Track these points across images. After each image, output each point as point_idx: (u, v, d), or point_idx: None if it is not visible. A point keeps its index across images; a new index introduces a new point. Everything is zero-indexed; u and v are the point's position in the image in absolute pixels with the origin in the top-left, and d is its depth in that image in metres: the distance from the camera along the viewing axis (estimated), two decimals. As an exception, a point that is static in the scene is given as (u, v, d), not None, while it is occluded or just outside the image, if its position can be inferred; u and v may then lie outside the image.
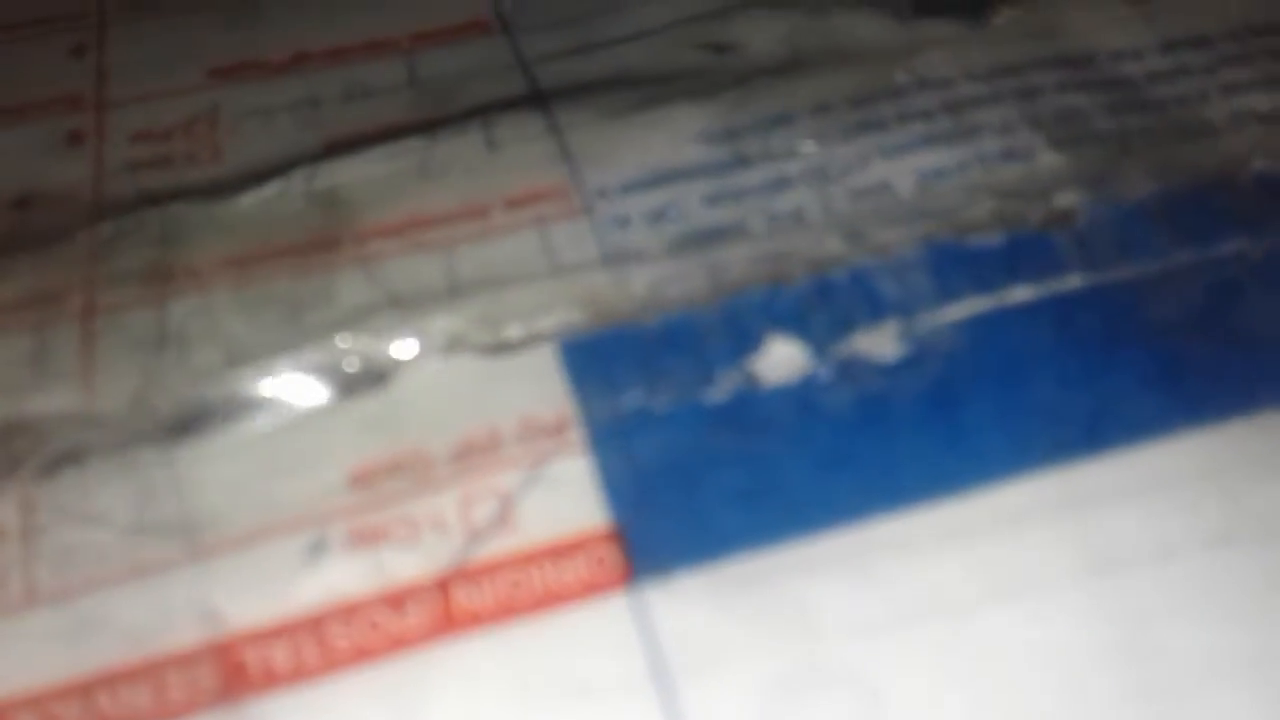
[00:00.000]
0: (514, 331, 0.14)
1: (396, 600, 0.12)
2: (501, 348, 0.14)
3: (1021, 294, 0.14)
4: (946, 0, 0.17)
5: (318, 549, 0.12)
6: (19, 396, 0.13)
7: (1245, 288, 0.14)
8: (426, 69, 0.18)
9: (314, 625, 0.12)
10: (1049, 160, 0.15)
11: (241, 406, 0.13)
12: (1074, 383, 0.13)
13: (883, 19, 0.17)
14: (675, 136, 0.16)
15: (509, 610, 0.12)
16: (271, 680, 0.12)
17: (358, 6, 0.19)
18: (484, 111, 0.17)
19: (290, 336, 0.14)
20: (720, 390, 0.13)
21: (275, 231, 0.15)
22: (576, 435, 0.13)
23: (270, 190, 0.16)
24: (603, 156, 0.16)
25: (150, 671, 0.12)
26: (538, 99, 0.17)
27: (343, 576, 0.12)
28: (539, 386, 0.13)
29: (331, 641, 0.12)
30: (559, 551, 0.12)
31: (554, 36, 0.18)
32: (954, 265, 0.14)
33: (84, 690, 0.11)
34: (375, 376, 0.14)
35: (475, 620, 0.12)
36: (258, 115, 0.17)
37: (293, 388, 0.13)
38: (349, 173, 0.16)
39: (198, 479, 0.13)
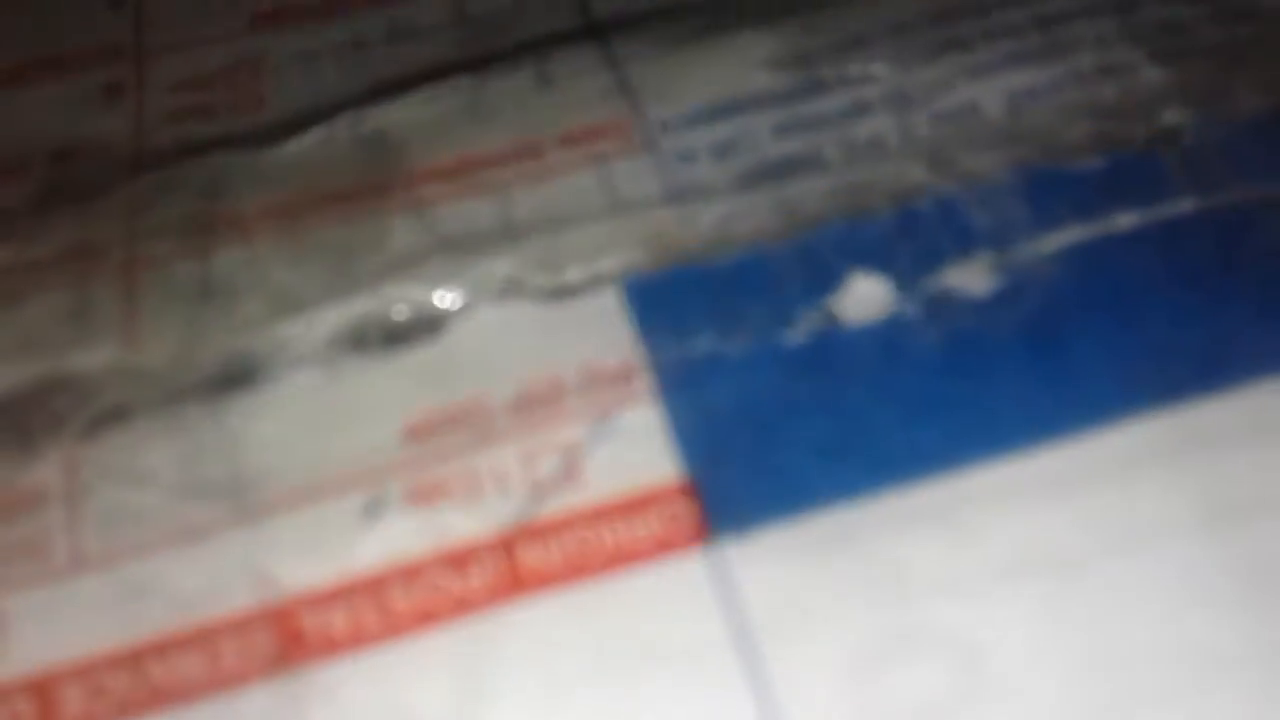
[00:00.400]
0: (574, 274, 0.13)
1: (459, 560, 0.11)
2: (561, 291, 0.13)
3: (1126, 221, 0.13)
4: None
5: (375, 507, 0.12)
6: (60, 353, 0.13)
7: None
8: (475, 5, 0.17)
9: (374, 588, 0.11)
10: (1151, 76, 0.14)
11: (290, 359, 0.13)
12: (1186, 316, 0.12)
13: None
14: (741, 64, 0.15)
15: (578, 570, 0.11)
16: (330, 646, 0.11)
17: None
18: (536, 46, 0.16)
19: (339, 284, 0.13)
20: (799, 332, 0.12)
21: (322, 178, 0.15)
22: (645, 383, 0.12)
23: (316, 136, 0.15)
24: (664, 89, 0.15)
25: (203, 638, 0.11)
26: (593, 30, 0.16)
27: (402, 536, 0.12)
28: (603, 332, 0.13)
29: (392, 605, 0.11)
30: (629, 507, 0.12)
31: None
32: (1051, 191, 0.13)
33: (134, 659, 0.11)
34: (428, 324, 0.13)
35: (542, 581, 0.11)
36: (301, 60, 0.17)
37: (343, 338, 0.13)
38: (397, 115, 0.15)
39: (247, 435, 0.12)
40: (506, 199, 0.14)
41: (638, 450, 0.12)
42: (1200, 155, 0.13)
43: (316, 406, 0.12)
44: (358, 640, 0.11)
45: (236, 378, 0.12)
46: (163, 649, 0.11)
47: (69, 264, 0.13)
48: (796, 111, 0.14)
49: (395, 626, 0.11)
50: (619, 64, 0.15)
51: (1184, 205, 0.13)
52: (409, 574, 0.11)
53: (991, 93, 0.14)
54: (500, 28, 0.17)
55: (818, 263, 0.13)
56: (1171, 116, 0.13)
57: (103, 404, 0.12)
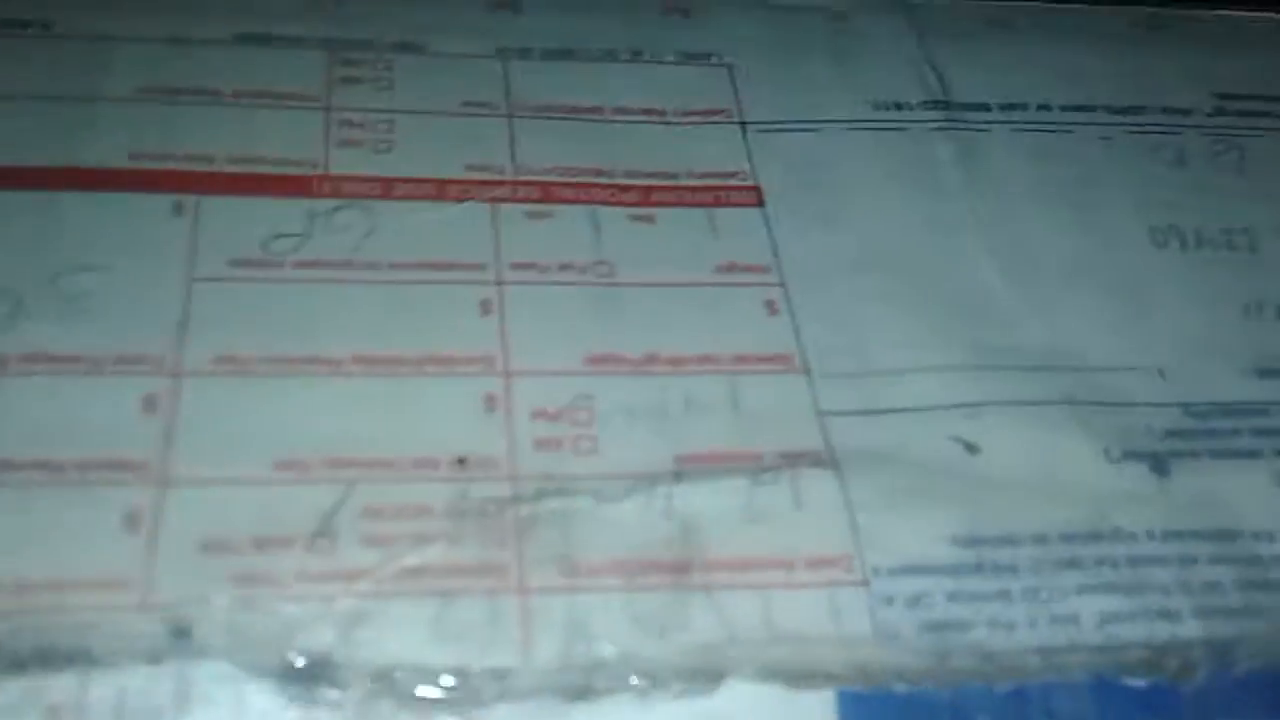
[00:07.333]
0: (807, 675, 0.19)
1: None
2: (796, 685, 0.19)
3: None
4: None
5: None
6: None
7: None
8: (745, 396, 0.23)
9: None
10: (1190, 627, 0.21)
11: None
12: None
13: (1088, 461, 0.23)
14: (928, 534, 0.21)
15: None
16: None
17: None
18: (793, 463, 0.22)
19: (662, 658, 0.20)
20: None
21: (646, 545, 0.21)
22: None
23: (637, 502, 0.21)
24: (879, 540, 0.21)
25: None
26: (833, 462, 0.22)
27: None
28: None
29: None
30: None
31: (845, 392, 0.24)
32: (1108, 696, 0.20)
33: None
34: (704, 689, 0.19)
35: None
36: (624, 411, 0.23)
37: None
38: (696, 502, 0.21)
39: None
40: (769, 602, 0.20)
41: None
42: (1209, 696, 0.20)
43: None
44: None
45: (584, 694, 0.19)
46: None
47: (481, 578, 0.20)
48: (962, 585, 0.21)
49: None
50: (853, 507, 0.21)
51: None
52: None
53: (1089, 609, 0.20)
54: (765, 425, 0.23)
55: (962, 711, 0.19)
56: (1194, 657, 0.20)
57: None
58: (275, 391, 0.23)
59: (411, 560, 0.21)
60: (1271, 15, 0.34)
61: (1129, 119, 0.30)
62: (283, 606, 0.20)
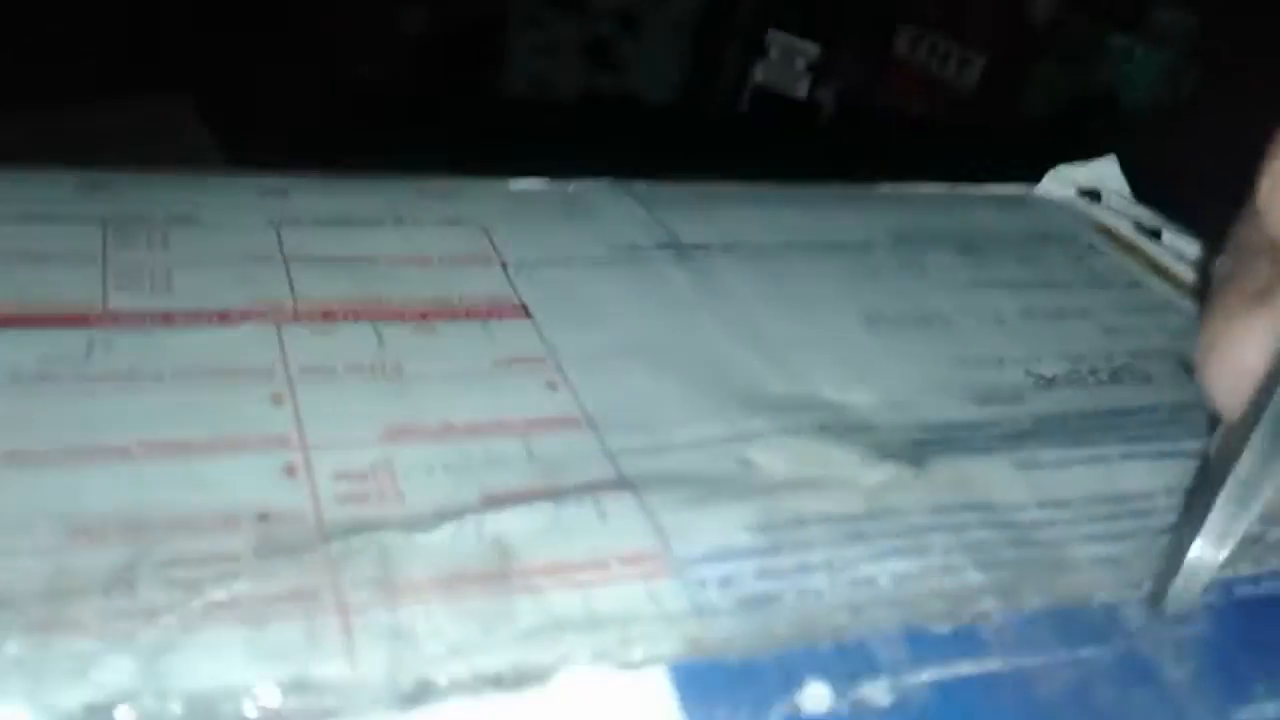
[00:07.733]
0: (636, 655, 0.20)
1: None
2: (628, 665, 0.20)
3: (963, 668, 0.21)
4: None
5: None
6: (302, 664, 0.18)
7: (1098, 680, 0.21)
8: (539, 448, 0.25)
9: None
10: (974, 577, 0.23)
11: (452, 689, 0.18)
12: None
13: (853, 466, 0.26)
14: (730, 526, 0.23)
15: None
16: None
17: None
18: (592, 490, 0.23)
19: (486, 643, 0.19)
20: (776, 716, 0.19)
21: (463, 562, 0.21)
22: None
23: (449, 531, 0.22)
24: (683, 537, 0.22)
25: None
26: (629, 486, 0.23)
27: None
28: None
29: None
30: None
31: (631, 438, 0.25)
32: (920, 643, 0.21)
33: None
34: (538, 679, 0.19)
35: None
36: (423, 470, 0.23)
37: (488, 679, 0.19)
38: (506, 524, 0.22)
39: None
40: (588, 594, 0.21)
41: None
42: (1007, 632, 0.22)
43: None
44: None
45: (419, 697, 0.18)
46: None
47: (295, 603, 0.19)
48: (766, 564, 0.22)
49: None
50: (652, 514, 0.23)
51: (993, 664, 0.21)
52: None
53: (884, 573, 0.22)
54: (561, 467, 0.24)
55: (788, 669, 0.20)
56: (985, 604, 0.22)
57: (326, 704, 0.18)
58: (64, 476, 0.22)
59: (219, 595, 0.20)
60: (921, 187, 0.43)
61: (826, 252, 0.36)
62: (80, 645, 0.18)
